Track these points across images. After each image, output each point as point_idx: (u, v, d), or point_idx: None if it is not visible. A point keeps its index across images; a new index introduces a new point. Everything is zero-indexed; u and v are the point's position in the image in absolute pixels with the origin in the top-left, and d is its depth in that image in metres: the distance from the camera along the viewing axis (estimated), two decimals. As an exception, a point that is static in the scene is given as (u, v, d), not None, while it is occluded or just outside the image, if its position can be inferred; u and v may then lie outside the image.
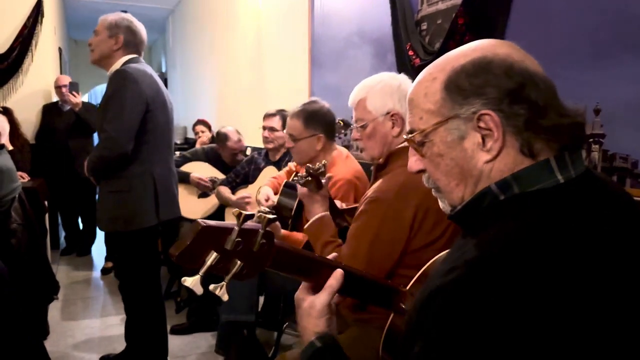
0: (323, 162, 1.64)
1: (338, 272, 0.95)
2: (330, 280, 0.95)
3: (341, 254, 1.49)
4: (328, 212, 1.64)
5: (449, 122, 0.76)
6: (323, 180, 1.64)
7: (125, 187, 2.27)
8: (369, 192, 1.54)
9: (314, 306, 0.94)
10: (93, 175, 2.35)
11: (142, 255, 2.37)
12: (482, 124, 0.73)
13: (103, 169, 2.27)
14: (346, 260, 1.44)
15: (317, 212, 1.64)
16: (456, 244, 0.83)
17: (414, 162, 0.85)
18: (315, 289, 0.97)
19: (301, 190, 1.67)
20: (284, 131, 2.40)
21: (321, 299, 0.94)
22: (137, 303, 2.47)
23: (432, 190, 0.86)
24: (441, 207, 0.86)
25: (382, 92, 1.58)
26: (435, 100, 0.77)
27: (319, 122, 2.20)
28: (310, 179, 1.61)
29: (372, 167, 1.68)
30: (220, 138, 3.64)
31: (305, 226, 1.64)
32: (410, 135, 0.82)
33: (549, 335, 0.59)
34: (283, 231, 2.04)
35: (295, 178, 1.65)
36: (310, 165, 1.60)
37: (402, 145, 1.56)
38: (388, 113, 1.57)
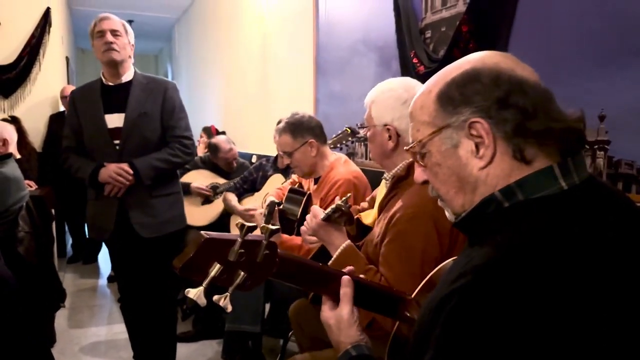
0: (348, 195, 1.62)
1: (345, 279, 0.98)
2: (343, 288, 0.97)
3: (385, 277, 1.43)
4: (349, 240, 1.59)
5: (442, 131, 0.79)
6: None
7: (178, 188, 2.50)
8: (398, 209, 1.47)
9: (341, 319, 0.97)
10: (152, 181, 2.31)
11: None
12: (473, 132, 0.75)
13: (165, 174, 2.37)
14: (397, 284, 1.38)
15: (338, 242, 1.57)
16: (463, 252, 0.83)
17: (419, 173, 0.88)
18: (333, 301, 0.99)
19: (314, 224, 1.61)
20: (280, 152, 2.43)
21: (344, 309, 0.97)
22: (164, 308, 2.50)
23: (438, 200, 0.87)
24: (447, 216, 0.87)
25: (386, 102, 1.57)
26: (429, 112, 0.81)
27: (304, 129, 2.25)
28: (342, 215, 1.58)
29: (382, 177, 1.65)
30: (212, 150, 3.69)
31: (331, 261, 1.57)
32: (410, 147, 0.85)
33: (555, 339, 0.59)
34: (283, 235, 2.05)
35: (323, 216, 1.58)
36: (340, 203, 1.57)
37: None
38: (385, 125, 1.56)
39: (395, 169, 1.58)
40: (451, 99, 0.77)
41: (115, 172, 2.24)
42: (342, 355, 0.95)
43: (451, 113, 0.77)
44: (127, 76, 2.35)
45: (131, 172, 2.25)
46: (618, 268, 0.65)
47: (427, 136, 0.81)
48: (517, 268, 0.64)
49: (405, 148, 0.89)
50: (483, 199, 0.76)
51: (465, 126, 0.76)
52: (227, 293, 0.80)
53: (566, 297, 0.61)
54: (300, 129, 2.24)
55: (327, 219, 1.59)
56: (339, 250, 1.56)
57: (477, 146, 0.76)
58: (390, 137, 1.56)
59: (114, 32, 2.29)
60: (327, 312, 1.00)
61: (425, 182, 0.87)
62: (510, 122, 0.73)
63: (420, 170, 0.87)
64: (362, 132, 1.67)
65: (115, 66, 2.31)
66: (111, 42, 2.27)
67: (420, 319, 0.77)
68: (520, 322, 0.60)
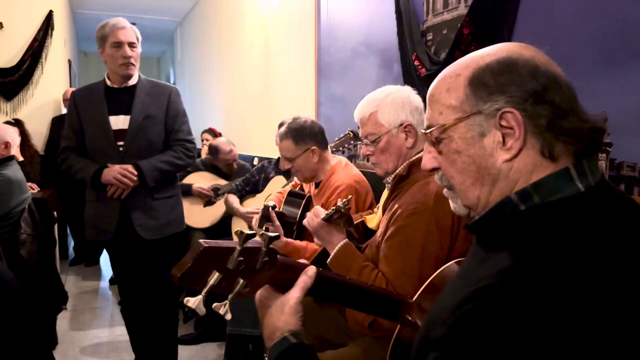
0: (348, 197, 1.62)
1: (311, 269, 0.93)
2: (303, 276, 0.92)
3: (383, 273, 1.44)
4: (347, 239, 1.60)
5: (470, 118, 0.75)
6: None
7: (178, 191, 2.53)
8: (400, 205, 1.48)
9: (286, 303, 0.90)
10: (156, 183, 2.33)
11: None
12: (504, 122, 0.73)
13: (168, 176, 2.41)
14: (395, 279, 1.40)
15: (336, 241, 1.59)
16: (472, 255, 0.82)
17: (428, 160, 0.84)
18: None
19: (314, 225, 1.62)
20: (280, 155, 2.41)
21: (294, 294, 0.91)
22: (165, 310, 2.51)
23: (445, 189, 0.84)
24: (452, 208, 0.85)
25: (393, 104, 1.56)
26: (458, 95, 0.77)
27: (307, 135, 2.22)
28: (341, 216, 1.60)
29: (385, 180, 1.64)
30: (212, 151, 3.71)
31: (329, 259, 1.59)
32: (427, 131, 0.81)
33: (581, 344, 0.59)
34: (285, 239, 2.05)
35: (324, 216, 1.60)
36: (340, 205, 1.58)
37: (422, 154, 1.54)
38: (401, 125, 1.56)
39: (397, 169, 1.58)
40: (485, 85, 0.74)
41: (120, 173, 2.23)
42: (278, 342, 0.88)
43: (484, 100, 0.74)
44: (133, 80, 2.37)
45: (136, 173, 2.25)
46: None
47: (452, 121, 0.77)
48: (549, 273, 0.63)
49: (422, 131, 0.85)
50: (498, 203, 0.75)
51: (496, 115, 0.73)
52: (226, 301, 0.79)
53: (590, 304, 0.60)
54: (303, 136, 2.22)
55: (328, 219, 1.59)
56: (336, 249, 1.57)
57: (504, 137, 0.74)
58: (407, 135, 1.56)
59: (131, 45, 2.29)
60: (267, 292, 0.94)
61: (434, 170, 0.84)
62: (544, 117, 0.71)
63: (431, 157, 0.83)
64: (368, 150, 1.61)
65: (128, 76, 2.33)
66: (130, 57, 2.27)
67: (428, 322, 0.75)
68: (553, 327, 0.59)
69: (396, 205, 1.50)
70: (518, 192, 0.73)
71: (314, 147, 2.22)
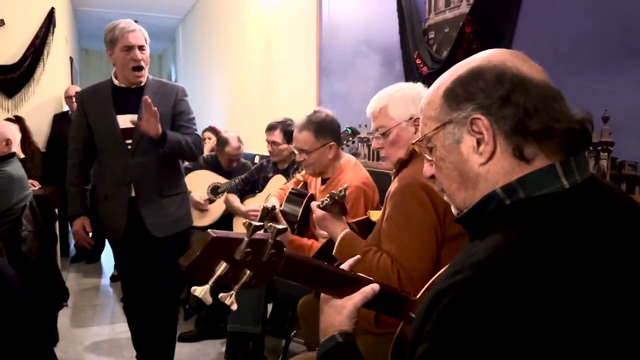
0: (344, 186, 1.66)
1: (376, 286, 0.99)
2: (368, 288, 0.98)
3: (388, 252, 1.48)
4: (349, 228, 1.66)
5: (445, 126, 0.80)
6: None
7: (185, 188, 2.55)
8: (394, 186, 1.54)
9: (346, 306, 0.97)
10: (168, 150, 2.36)
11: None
12: (475, 128, 0.76)
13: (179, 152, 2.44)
14: (400, 254, 1.44)
15: (338, 231, 1.65)
16: (463, 248, 0.84)
17: (427, 167, 0.89)
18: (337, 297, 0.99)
19: (318, 215, 1.69)
20: (292, 145, 2.38)
21: (355, 300, 0.97)
22: (167, 308, 2.52)
23: (444, 195, 0.88)
24: (453, 211, 0.88)
25: (403, 98, 1.61)
26: (435, 107, 0.82)
27: (328, 130, 2.20)
28: (335, 204, 1.65)
29: (392, 171, 1.68)
30: (220, 142, 3.70)
31: (335, 250, 1.64)
32: (416, 140, 0.88)
33: (557, 336, 0.60)
34: (291, 236, 2.06)
35: (319, 204, 1.67)
36: (335, 192, 1.63)
37: None
38: (411, 118, 1.60)
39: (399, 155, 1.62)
40: (456, 95, 0.79)
41: (79, 235, 2.37)
42: (327, 339, 0.95)
43: (454, 109, 0.79)
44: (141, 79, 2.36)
45: (90, 242, 2.41)
46: (619, 268, 0.65)
47: (432, 130, 0.83)
48: (519, 266, 0.64)
49: (412, 142, 0.91)
50: (485, 196, 0.77)
51: (467, 122, 0.77)
52: (232, 292, 0.80)
53: (565, 296, 0.62)
54: (324, 130, 2.19)
55: (324, 207, 1.66)
56: (338, 239, 1.64)
57: (478, 142, 0.77)
58: (416, 129, 1.58)
59: (141, 48, 2.27)
60: (331, 297, 1.00)
61: (433, 177, 0.88)
62: (509, 120, 0.74)
63: (428, 164, 0.88)
64: (378, 143, 1.67)
65: (138, 83, 2.33)
66: (140, 60, 2.26)
67: (418, 314, 0.78)
68: (521, 320, 0.61)
69: (393, 187, 1.56)
70: (504, 186, 0.75)
71: (332, 143, 2.20)
